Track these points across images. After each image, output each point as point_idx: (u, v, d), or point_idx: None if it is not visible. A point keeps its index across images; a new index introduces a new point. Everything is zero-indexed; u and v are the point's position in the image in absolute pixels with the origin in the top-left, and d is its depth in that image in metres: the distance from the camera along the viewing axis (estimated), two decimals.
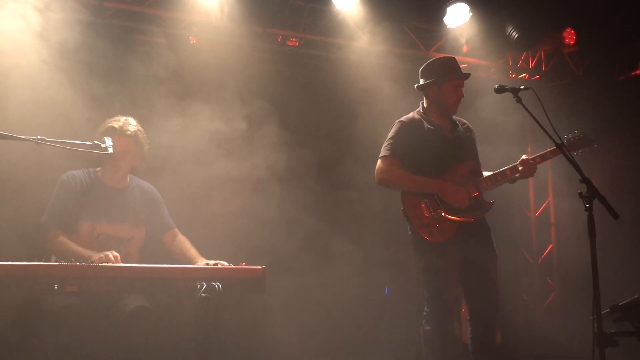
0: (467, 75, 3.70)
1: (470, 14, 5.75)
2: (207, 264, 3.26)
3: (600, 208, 2.80)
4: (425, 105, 3.72)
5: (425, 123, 3.63)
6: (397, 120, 3.67)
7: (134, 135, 3.51)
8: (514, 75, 6.61)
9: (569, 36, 6.27)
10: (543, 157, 3.66)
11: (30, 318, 2.96)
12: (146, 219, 3.63)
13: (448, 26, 5.89)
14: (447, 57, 3.83)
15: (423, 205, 3.48)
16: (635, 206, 5.79)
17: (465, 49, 6.12)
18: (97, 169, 3.58)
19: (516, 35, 5.87)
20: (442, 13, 5.80)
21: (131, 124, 3.53)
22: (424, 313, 3.50)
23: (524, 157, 3.63)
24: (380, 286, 6.02)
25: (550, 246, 7.08)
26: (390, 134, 3.63)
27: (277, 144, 5.61)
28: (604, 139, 5.78)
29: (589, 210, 2.75)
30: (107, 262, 2.94)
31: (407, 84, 5.71)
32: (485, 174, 3.71)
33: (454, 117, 3.74)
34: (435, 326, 3.42)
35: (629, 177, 6.46)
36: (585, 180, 2.81)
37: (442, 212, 3.45)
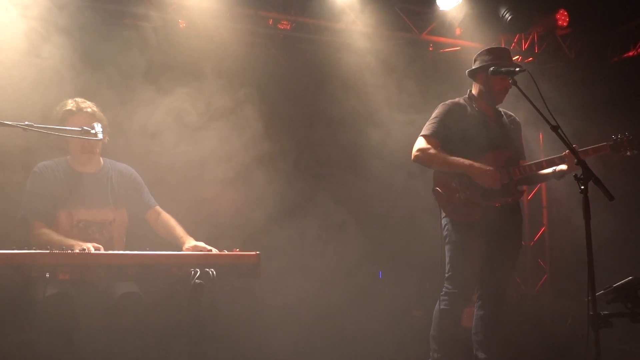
0: (518, 66, 3.50)
1: None
2: (196, 246, 3.23)
3: (593, 190, 2.79)
4: (473, 92, 3.75)
5: (469, 108, 3.67)
6: (442, 103, 3.73)
7: (92, 112, 3.41)
8: None
9: (562, 18, 6.23)
10: (594, 151, 3.58)
11: (22, 306, 2.93)
12: (126, 200, 3.55)
13: (440, 8, 5.84)
14: (501, 47, 3.84)
15: (453, 185, 3.53)
16: (628, 188, 5.81)
17: (458, 31, 6.08)
18: (68, 157, 3.49)
19: (509, 17, 5.84)
20: None
21: (85, 102, 3.45)
22: (442, 291, 3.54)
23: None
24: (373, 269, 6.03)
25: (543, 229, 7.12)
26: (433, 114, 3.69)
27: (268, 127, 5.56)
28: (596, 121, 5.80)
29: (584, 192, 2.74)
30: None
31: (400, 66, 5.71)
32: None
33: (501, 109, 3.77)
34: (453, 306, 3.49)
35: (622, 159, 6.47)
36: (580, 162, 2.81)
37: (469, 194, 3.49)
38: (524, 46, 6.61)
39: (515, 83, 3.17)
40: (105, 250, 3.01)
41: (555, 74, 6.72)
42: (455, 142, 3.57)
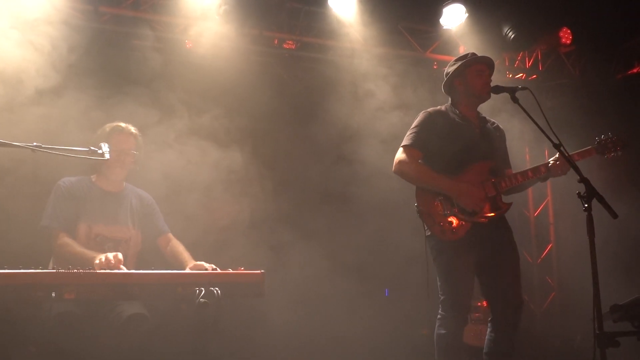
0: (488, 59, 3.55)
1: (467, 14, 5.75)
2: (197, 264, 3.27)
3: (599, 207, 2.78)
4: (453, 101, 3.62)
5: (451, 115, 3.54)
6: (423, 111, 3.58)
7: (136, 135, 3.65)
8: (510, 76, 6.62)
9: (566, 35, 6.27)
10: (580, 156, 3.50)
11: (28, 326, 2.94)
12: (141, 223, 3.67)
13: (444, 27, 5.90)
14: (468, 53, 3.68)
15: (437, 202, 3.39)
16: (634, 205, 5.78)
17: (461, 49, 6.11)
18: (92, 176, 3.63)
19: (512, 36, 5.88)
20: (438, 14, 5.82)
21: (132, 126, 3.67)
22: (438, 316, 3.40)
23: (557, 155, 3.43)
24: (380, 288, 6.01)
25: (550, 246, 7.08)
26: (414, 124, 3.54)
27: (273, 145, 5.60)
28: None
29: (588, 210, 2.73)
30: (108, 266, 2.90)
31: (404, 84, 5.74)
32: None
33: (484, 115, 3.66)
34: (450, 330, 3.32)
35: (627, 176, 6.45)
36: (583, 180, 2.79)
37: (455, 211, 3.36)
38: (528, 64, 6.64)
39: (517, 101, 3.17)
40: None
41: (559, 91, 6.74)
42: (439, 152, 3.42)
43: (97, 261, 2.95)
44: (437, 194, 3.41)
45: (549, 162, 3.46)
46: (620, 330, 2.77)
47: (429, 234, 3.44)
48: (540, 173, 3.46)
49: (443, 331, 3.35)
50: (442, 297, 3.40)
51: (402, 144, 3.50)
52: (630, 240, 5.77)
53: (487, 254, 3.39)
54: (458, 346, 3.35)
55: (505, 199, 3.54)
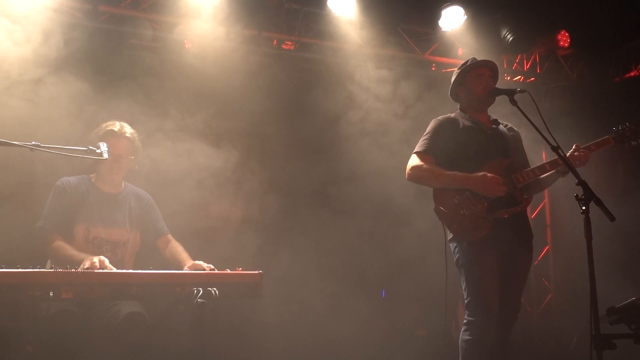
0: (488, 62, 3.56)
1: (465, 16, 5.77)
2: (195, 264, 3.27)
3: (597, 209, 2.79)
4: (462, 106, 3.65)
5: (461, 120, 3.54)
6: (433, 119, 3.60)
7: (132, 139, 3.59)
8: (508, 78, 6.64)
9: (563, 38, 6.29)
10: (597, 146, 3.47)
11: (25, 325, 2.93)
12: (141, 223, 3.66)
13: (443, 29, 5.91)
14: (468, 59, 3.69)
15: (455, 202, 3.34)
16: (631, 208, 5.79)
17: (460, 51, 6.13)
18: (92, 175, 3.61)
19: (511, 38, 5.90)
20: (437, 16, 5.83)
21: (128, 127, 3.62)
22: (465, 321, 3.30)
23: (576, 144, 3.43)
24: (377, 288, 6.02)
25: (547, 248, 7.09)
26: (426, 131, 3.55)
27: (272, 147, 5.60)
28: None
29: (586, 213, 2.73)
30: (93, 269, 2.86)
31: (402, 87, 5.75)
32: None
33: (496, 117, 3.64)
34: (477, 336, 3.22)
35: (624, 179, 6.47)
36: (581, 183, 2.79)
37: (474, 209, 3.31)
38: (526, 66, 6.66)
39: (515, 103, 3.17)
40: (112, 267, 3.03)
41: (557, 94, 6.76)
42: (451, 156, 3.40)
43: (82, 266, 2.92)
44: (455, 193, 3.36)
45: (566, 154, 3.36)
46: (617, 333, 2.77)
47: (451, 236, 3.41)
48: (558, 165, 3.37)
49: (469, 337, 3.24)
50: (467, 300, 3.33)
51: (414, 151, 3.51)
52: (628, 243, 5.78)
53: (506, 254, 3.35)
54: (486, 353, 3.22)
55: (525, 193, 3.46)
